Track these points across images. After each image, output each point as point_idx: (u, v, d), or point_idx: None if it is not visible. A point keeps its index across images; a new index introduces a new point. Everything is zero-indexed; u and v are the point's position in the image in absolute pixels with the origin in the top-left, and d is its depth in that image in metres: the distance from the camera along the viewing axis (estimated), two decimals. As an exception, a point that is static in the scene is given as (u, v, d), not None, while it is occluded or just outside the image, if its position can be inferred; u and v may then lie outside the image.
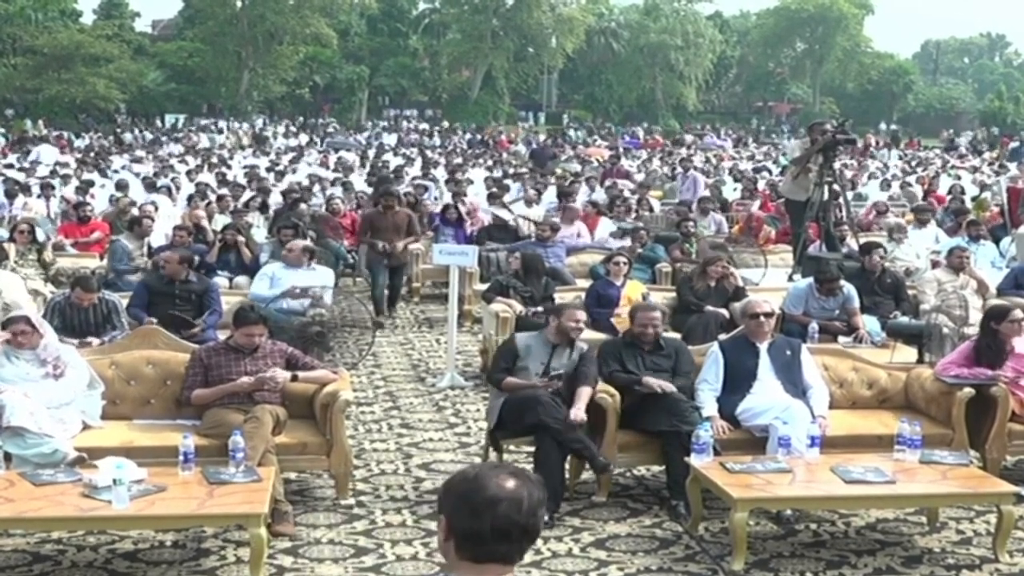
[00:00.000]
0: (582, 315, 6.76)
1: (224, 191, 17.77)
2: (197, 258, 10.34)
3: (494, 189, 17.96)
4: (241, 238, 11.27)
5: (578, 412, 6.26)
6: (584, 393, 6.37)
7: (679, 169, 24.20)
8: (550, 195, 18.08)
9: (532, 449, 6.61)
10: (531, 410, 6.22)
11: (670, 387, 6.45)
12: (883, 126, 61.72)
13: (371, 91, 61.91)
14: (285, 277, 9.57)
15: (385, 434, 7.83)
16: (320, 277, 9.79)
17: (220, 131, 46.09)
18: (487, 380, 6.67)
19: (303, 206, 15.05)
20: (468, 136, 48.16)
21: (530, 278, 9.89)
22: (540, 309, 9.35)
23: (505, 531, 2.41)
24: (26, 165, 24.80)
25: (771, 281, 10.90)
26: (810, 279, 9.34)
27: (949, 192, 19.53)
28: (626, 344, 6.77)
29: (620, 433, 6.38)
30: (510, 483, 2.44)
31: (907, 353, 8.33)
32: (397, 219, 11.85)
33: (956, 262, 9.78)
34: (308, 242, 10.40)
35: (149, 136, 43.86)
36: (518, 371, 6.55)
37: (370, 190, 19.44)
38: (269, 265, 10.06)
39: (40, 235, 11.51)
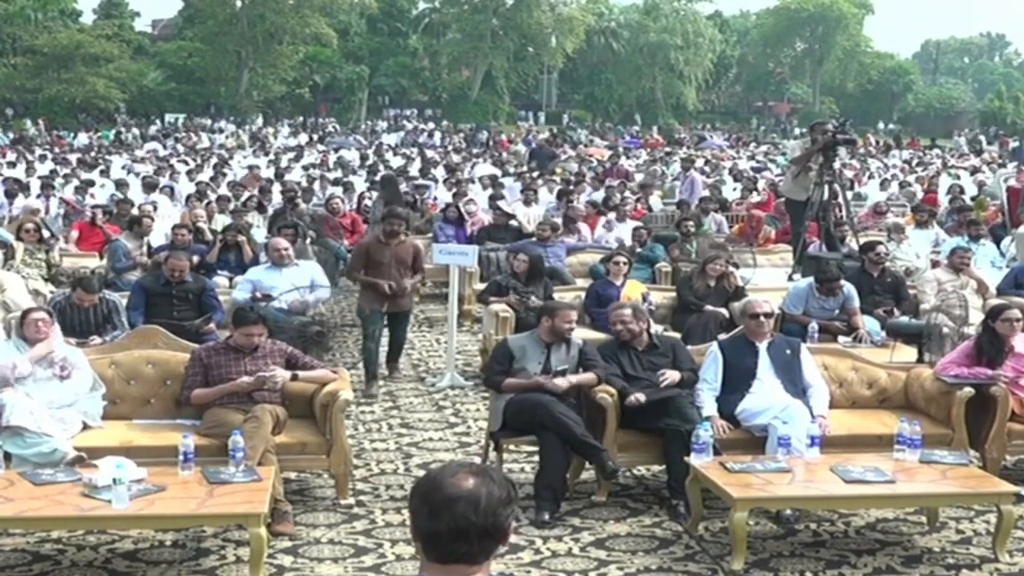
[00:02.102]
0: (574, 314, 6.80)
1: (224, 191, 17.79)
2: (196, 258, 10.33)
3: (491, 189, 17.98)
4: (242, 237, 11.21)
5: (561, 381, 6.33)
6: (586, 377, 6.42)
7: (680, 169, 24.25)
8: (550, 195, 18.09)
9: (533, 449, 6.62)
10: (538, 409, 6.22)
11: (678, 382, 6.50)
12: (881, 125, 61.71)
13: (371, 91, 61.95)
14: (271, 279, 9.51)
15: (385, 434, 7.83)
16: (307, 272, 9.71)
17: (220, 131, 46.12)
18: (485, 383, 6.68)
19: (303, 206, 15.04)
20: (472, 131, 48.12)
21: (532, 279, 9.88)
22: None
23: (462, 531, 2.37)
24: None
25: (771, 281, 10.90)
26: (810, 279, 9.34)
27: (948, 192, 19.55)
28: (620, 345, 6.78)
29: (620, 433, 6.38)
30: (468, 482, 2.40)
31: (907, 353, 8.33)
32: (401, 251, 9.09)
33: (957, 262, 9.78)
34: (286, 240, 10.24)
35: (140, 134, 43.90)
36: (515, 373, 6.55)
37: (366, 188, 19.46)
38: (252, 270, 9.98)
39: (47, 234, 11.51)
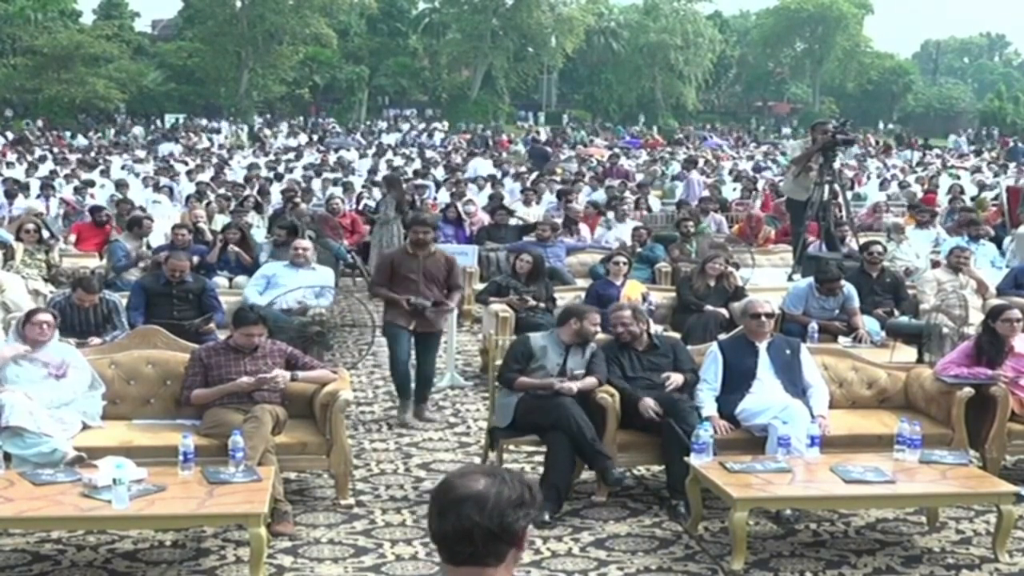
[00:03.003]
0: (598, 317, 6.81)
1: (223, 191, 17.81)
2: (196, 258, 10.34)
3: (490, 189, 17.98)
4: (236, 249, 11.06)
5: (570, 385, 6.34)
6: (589, 381, 6.43)
7: (680, 169, 24.29)
8: (550, 195, 18.10)
9: (532, 449, 6.62)
10: (554, 410, 6.23)
11: (680, 378, 6.52)
12: (880, 125, 61.67)
13: (371, 91, 61.90)
14: (286, 277, 9.55)
15: (385, 434, 7.83)
16: (321, 277, 9.78)
17: (218, 131, 46.13)
18: (498, 379, 6.65)
19: (303, 206, 15.05)
20: (479, 132, 48.06)
21: (532, 279, 9.87)
22: (542, 305, 9.43)
23: (467, 531, 2.35)
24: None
25: (771, 281, 10.91)
26: (810, 279, 9.35)
27: (948, 192, 19.56)
28: (621, 347, 6.78)
29: (620, 433, 6.39)
30: (479, 483, 2.39)
31: (907, 353, 8.33)
32: (431, 264, 8.05)
33: (954, 262, 9.78)
34: (309, 242, 10.34)
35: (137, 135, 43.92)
36: (533, 371, 6.54)
37: (362, 187, 19.44)
38: (269, 265, 10.02)
39: (47, 234, 11.51)
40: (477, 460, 7.03)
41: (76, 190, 18.03)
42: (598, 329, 6.70)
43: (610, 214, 14.68)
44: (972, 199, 19.00)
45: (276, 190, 18.72)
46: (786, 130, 59.61)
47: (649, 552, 5.70)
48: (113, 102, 52.04)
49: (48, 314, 6.69)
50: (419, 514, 6.12)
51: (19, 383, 6.24)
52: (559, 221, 13.45)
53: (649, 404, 6.35)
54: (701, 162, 28.66)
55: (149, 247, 11.35)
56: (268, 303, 8.98)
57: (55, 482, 5.36)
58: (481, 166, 25.67)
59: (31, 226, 11.16)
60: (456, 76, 63.54)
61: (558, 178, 22.56)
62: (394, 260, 8.14)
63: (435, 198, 18.42)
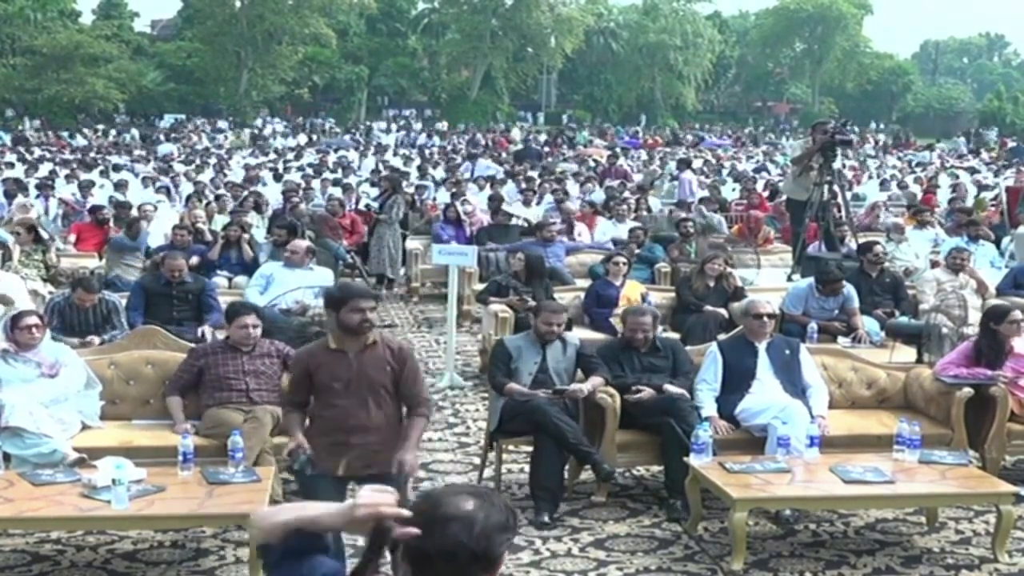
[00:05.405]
0: (558, 316, 6.66)
1: (223, 191, 17.80)
2: (196, 258, 10.34)
3: (489, 189, 17.97)
4: (246, 235, 11.21)
5: (580, 388, 6.32)
6: (595, 380, 6.42)
7: (676, 170, 24.29)
8: (549, 195, 18.09)
9: (531, 449, 6.62)
10: (534, 413, 6.23)
11: (678, 390, 6.49)
12: (873, 125, 61.66)
13: (370, 91, 61.93)
14: (284, 277, 9.55)
15: (384, 434, 7.80)
16: (319, 277, 9.77)
17: (219, 131, 46.13)
18: (489, 383, 6.67)
19: (302, 206, 15.06)
20: (467, 136, 48.06)
21: (532, 280, 9.85)
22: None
23: (451, 553, 2.27)
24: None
25: (770, 281, 10.90)
26: (810, 279, 9.34)
27: (953, 191, 19.56)
28: (622, 347, 6.79)
29: (620, 433, 6.38)
30: (468, 504, 2.31)
31: (906, 353, 8.33)
32: (368, 363, 5.00)
33: (954, 263, 9.78)
34: (308, 243, 10.35)
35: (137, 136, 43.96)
36: (512, 373, 6.54)
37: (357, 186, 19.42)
38: (267, 265, 10.03)
39: (44, 235, 11.50)
40: (476, 461, 7.03)
41: (81, 188, 17.99)
42: (553, 328, 6.55)
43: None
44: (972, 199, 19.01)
45: (276, 190, 18.71)
46: (756, 129, 59.79)
47: (649, 552, 5.70)
48: (112, 102, 52.05)
49: (35, 316, 6.63)
50: (419, 514, 6.11)
51: (12, 382, 6.23)
52: (559, 221, 13.44)
53: (645, 391, 6.36)
54: (700, 162, 28.63)
55: (148, 248, 11.36)
56: (268, 304, 8.98)
57: (55, 482, 5.36)
58: (484, 166, 25.65)
59: (25, 227, 11.16)
60: (455, 76, 63.53)
61: (552, 178, 22.56)
62: (309, 364, 5.09)
63: (435, 198, 18.41)
